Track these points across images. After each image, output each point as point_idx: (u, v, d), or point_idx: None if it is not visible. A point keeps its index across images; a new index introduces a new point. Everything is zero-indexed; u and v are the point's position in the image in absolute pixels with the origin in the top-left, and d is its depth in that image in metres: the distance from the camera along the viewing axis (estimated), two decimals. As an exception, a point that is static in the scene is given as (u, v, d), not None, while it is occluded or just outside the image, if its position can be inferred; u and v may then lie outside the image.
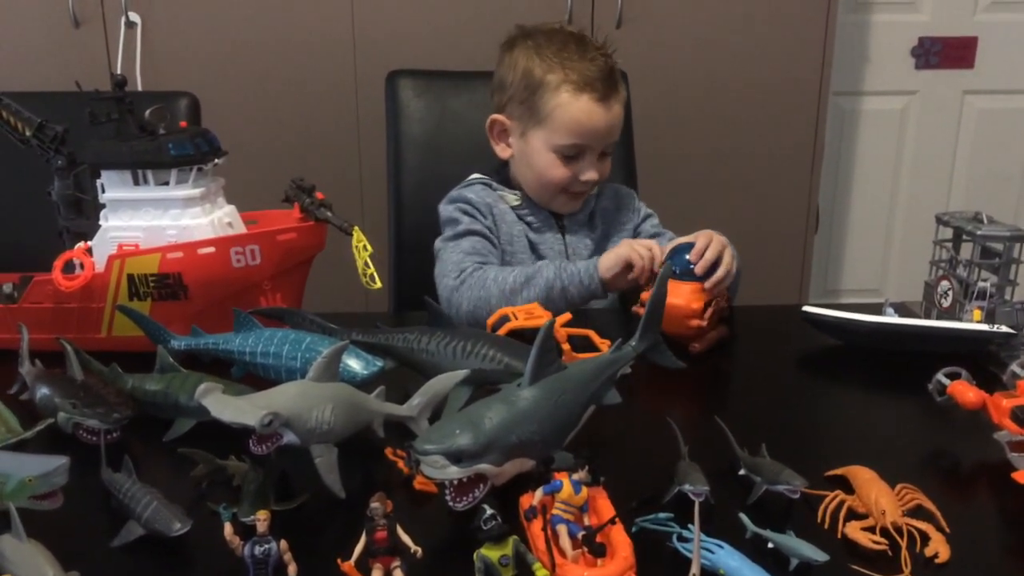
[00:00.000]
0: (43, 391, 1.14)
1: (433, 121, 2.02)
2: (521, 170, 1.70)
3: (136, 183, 1.35)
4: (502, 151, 1.72)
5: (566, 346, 1.24)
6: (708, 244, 1.43)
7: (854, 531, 0.90)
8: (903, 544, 0.88)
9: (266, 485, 0.94)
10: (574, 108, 1.59)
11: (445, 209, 1.70)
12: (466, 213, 1.67)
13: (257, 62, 2.62)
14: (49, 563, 0.80)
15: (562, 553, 0.81)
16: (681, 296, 1.37)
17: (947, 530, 0.91)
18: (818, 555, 0.84)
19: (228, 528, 0.81)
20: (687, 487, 0.93)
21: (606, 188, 1.78)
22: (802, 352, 1.45)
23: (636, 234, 1.77)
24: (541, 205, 1.71)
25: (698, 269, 1.41)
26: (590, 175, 1.63)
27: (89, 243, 1.39)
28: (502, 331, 1.24)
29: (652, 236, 1.76)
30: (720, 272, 1.41)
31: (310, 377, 1.00)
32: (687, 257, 1.42)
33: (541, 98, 1.61)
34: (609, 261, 1.50)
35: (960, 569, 0.86)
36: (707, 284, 1.40)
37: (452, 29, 2.60)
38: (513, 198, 1.71)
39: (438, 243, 1.67)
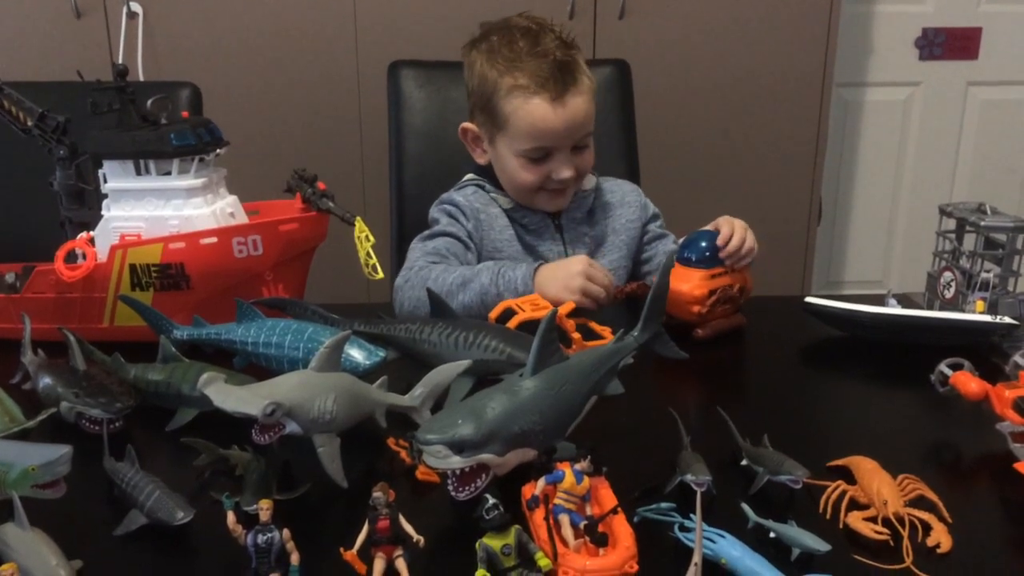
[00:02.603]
0: (46, 381, 1.15)
1: (435, 112, 2.02)
2: (499, 174, 1.66)
3: (138, 173, 1.35)
4: (479, 157, 1.68)
5: (576, 335, 1.24)
6: (732, 231, 1.43)
7: (856, 521, 0.90)
8: (905, 534, 0.88)
9: (268, 474, 0.95)
10: (527, 112, 1.52)
11: (433, 210, 1.67)
12: (448, 214, 1.64)
13: (259, 52, 2.62)
14: (52, 552, 0.81)
15: (564, 542, 0.81)
16: (688, 282, 1.40)
17: (949, 520, 0.91)
18: (820, 545, 0.84)
19: (231, 517, 0.81)
20: (689, 477, 0.93)
21: (606, 183, 1.75)
22: (805, 343, 1.45)
23: (644, 232, 1.76)
24: (526, 206, 1.68)
25: (723, 254, 1.42)
26: (564, 173, 1.58)
27: (91, 233, 1.39)
28: (512, 323, 1.23)
29: (657, 238, 1.75)
30: (735, 242, 1.42)
31: (312, 367, 1.00)
32: (703, 244, 1.43)
33: (497, 104, 1.56)
34: (550, 291, 1.40)
35: (962, 559, 0.86)
36: (723, 254, 1.42)
37: (454, 19, 2.59)
38: (506, 200, 1.67)
39: (413, 242, 1.64)
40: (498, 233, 1.65)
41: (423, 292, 1.39)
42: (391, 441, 1.06)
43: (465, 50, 1.64)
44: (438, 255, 1.56)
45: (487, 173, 1.70)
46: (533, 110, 1.53)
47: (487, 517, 0.79)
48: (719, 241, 1.43)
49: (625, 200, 1.75)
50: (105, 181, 1.37)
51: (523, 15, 1.62)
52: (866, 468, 0.97)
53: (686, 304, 1.40)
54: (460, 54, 1.66)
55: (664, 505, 0.92)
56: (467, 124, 1.66)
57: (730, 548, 0.83)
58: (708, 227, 1.47)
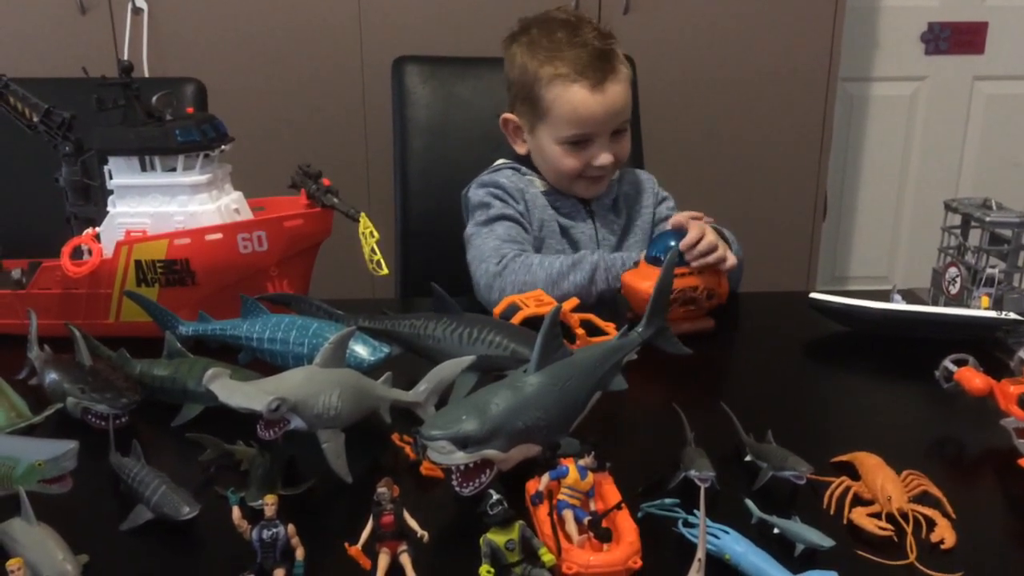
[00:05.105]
0: (52, 376, 1.15)
1: (439, 107, 2.02)
2: (539, 163, 1.71)
3: (143, 169, 1.36)
4: (519, 147, 1.72)
5: (580, 331, 1.24)
6: (700, 236, 1.41)
7: (860, 517, 0.90)
8: (909, 530, 0.88)
9: (273, 470, 0.95)
10: (568, 99, 1.58)
11: (476, 194, 1.68)
12: (498, 198, 1.66)
13: (264, 48, 2.62)
14: (59, 546, 0.81)
15: (568, 538, 0.81)
16: (648, 279, 1.35)
17: (953, 516, 0.91)
18: (824, 540, 0.84)
19: (236, 512, 0.81)
20: (693, 473, 0.93)
21: (626, 174, 1.78)
22: (809, 339, 1.45)
23: (653, 215, 1.77)
24: (564, 193, 1.71)
25: (689, 257, 1.40)
26: (603, 159, 1.62)
27: (97, 229, 1.39)
28: (516, 319, 1.23)
29: (665, 218, 1.76)
30: (702, 246, 1.40)
31: (317, 363, 1.01)
32: (671, 244, 1.41)
33: (538, 93, 1.61)
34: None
35: (966, 555, 0.86)
36: (689, 256, 1.39)
37: (458, 15, 2.59)
38: (541, 183, 1.71)
39: (470, 229, 1.65)
40: (540, 213, 1.69)
41: (528, 276, 1.48)
42: (395, 437, 1.06)
43: (505, 44, 1.69)
44: (515, 242, 1.60)
45: (518, 159, 1.73)
46: (573, 97, 1.58)
47: (491, 512, 0.79)
48: (684, 243, 1.40)
49: (641, 190, 1.79)
50: (110, 177, 1.38)
51: (561, 9, 1.70)
52: (870, 464, 0.97)
53: (643, 302, 1.37)
54: (500, 48, 1.70)
55: (668, 501, 0.92)
56: (508, 115, 1.70)
57: (734, 544, 0.83)
58: (678, 227, 1.46)
